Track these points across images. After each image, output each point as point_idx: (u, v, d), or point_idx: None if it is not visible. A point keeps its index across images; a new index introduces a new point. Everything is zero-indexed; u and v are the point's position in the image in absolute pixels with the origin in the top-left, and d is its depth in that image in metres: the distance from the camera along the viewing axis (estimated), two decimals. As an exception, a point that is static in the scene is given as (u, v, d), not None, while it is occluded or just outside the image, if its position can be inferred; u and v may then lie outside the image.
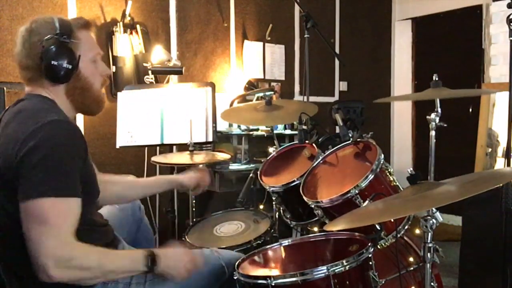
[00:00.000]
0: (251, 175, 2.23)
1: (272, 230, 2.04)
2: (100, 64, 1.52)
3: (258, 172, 2.18)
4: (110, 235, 1.61)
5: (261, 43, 4.32)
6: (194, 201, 2.63)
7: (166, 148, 3.16)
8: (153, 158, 2.45)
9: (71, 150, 1.33)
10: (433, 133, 1.89)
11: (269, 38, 4.37)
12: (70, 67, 1.39)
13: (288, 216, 2.10)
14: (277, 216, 2.17)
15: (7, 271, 1.45)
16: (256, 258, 1.67)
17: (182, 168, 3.05)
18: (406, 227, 1.75)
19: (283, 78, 4.50)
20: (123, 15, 3.50)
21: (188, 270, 1.44)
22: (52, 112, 1.38)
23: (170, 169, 3.42)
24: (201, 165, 2.16)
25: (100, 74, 1.51)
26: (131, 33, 3.53)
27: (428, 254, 1.40)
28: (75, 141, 1.35)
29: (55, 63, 1.37)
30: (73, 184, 1.31)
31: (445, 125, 1.87)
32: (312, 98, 3.19)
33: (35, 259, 1.24)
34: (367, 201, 1.64)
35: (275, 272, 1.58)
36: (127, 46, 3.52)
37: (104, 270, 1.32)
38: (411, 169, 1.37)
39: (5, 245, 1.40)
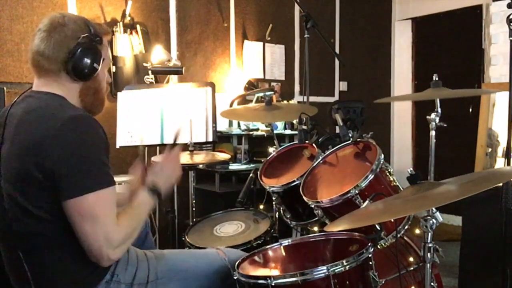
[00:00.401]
0: (251, 175, 2.23)
1: (272, 230, 2.04)
2: (106, 72, 1.58)
3: (258, 172, 2.18)
4: None
5: (261, 43, 4.33)
6: (194, 201, 2.63)
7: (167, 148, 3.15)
8: (153, 158, 2.45)
9: (100, 142, 1.38)
10: (433, 133, 1.89)
11: (269, 38, 4.37)
12: (97, 67, 1.45)
13: (288, 216, 2.10)
14: (277, 216, 2.17)
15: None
16: (256, 258, 1.67)
17: (182, 168, 3.05)
18: (406, 227, 1.75)
19: (283, 78, 4.50)
20: (123, 15, 3.50)
21: (177, 171, 1.62)
22: (68, 108, 1.41)
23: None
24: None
25: (107, 80, 1.57)
26: (131, 33, 3.54)
27: (428, 254, 1.40)
28: (100, 131, 1.39)
29: (87, 60, 1.42)
30: (108, 173, 1.38)
31: (445, 125, 1.87)
32: (312, 98, 3.19)
33: (93, 251, 1.32)
34: (367, 201, 1.64)
35: (275, 272, 1.58)
36: (127, 46, 3.52)
37: (138, 227, 1.46)
38: (411, 169, 1.37)
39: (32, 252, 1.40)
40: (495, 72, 4.09)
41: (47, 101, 1.41)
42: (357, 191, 1.66)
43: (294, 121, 3.71)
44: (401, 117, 5.40)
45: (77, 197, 1.30)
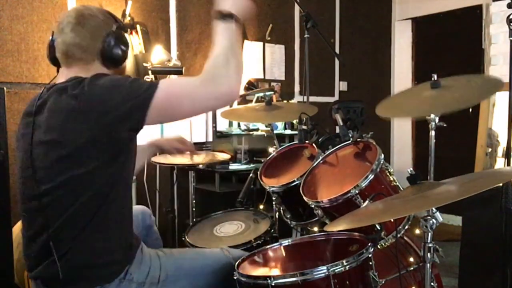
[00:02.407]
0: (251, 175, 2.23)
1: (272, 230, 2.04)
2: None
3: (258, 172, 2.18)
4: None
5: (261, 43, 4.33)
6: (194, 201, 2.63)
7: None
8: (153, 158, 2.45)
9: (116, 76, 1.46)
10: (433, 133, 1.89)
11: (269, 38, 4.37)
12: (127, 54, 1.54)
13: (288, 216, 2.10)
14: (277, 216, 2.17)
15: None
16: (256, 258, 1.67)
17: (182, 168, 3.05)
18: (406, 227, 1.75)
19: (283, 78, 4.50)
20: (123, 15, 3.49)
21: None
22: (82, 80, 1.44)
23: (170, 169, 3.43)
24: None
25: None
26: (131, 33, 3.53)
27: (428, 254, 1.40)
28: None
29: (119, 48, 1.51)
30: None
31: (445, 125, 1.87)
32: (312, 98, 3.19)
33: (217, 100, 1.38)
34: (367, 201, 1.64)
35: (275, 272, 1.58)
36: (127, 46, 3.52)
37: (233, 52, 1.47)
38: (411, 169, 1.38)
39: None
40: (495, 72, 4.08)
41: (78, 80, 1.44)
42: (357, 191, 1.66)
43: (294, 121, 3.71)
44: (401, 117, 5.41)
45: (153, 97, 1.33)
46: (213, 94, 1.37)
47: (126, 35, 1.58)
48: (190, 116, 1.43)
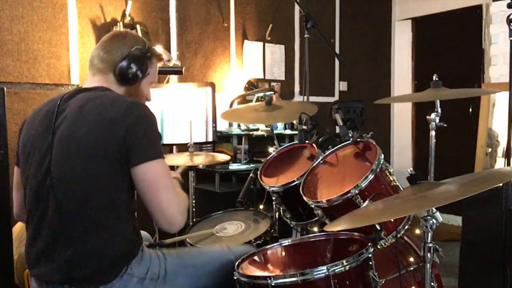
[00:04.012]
0: (251, 175, 2.23)
1: (272, 230, 2.04)
2: (149, 90, 1.75)
3: (258, 172, 2.18)
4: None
5: (261, 43, 4.33)
6: (194, 201, 2.63)
7: (167, 148, 3.16)
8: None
9: (156, 123, 1.54)
10: (433, 133, 1.89)
11: (269, 38, 4.37)
12: (139, 76, 1.62)
13: (288, 216, 2.10)
14: (277, 216, 2.17)
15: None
16: (256, 258, 1.67)
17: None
18: (406, 227, 1.75)
19: (283, 78, 4.50)
20: (123, 15, 3.49)
21: None
22: (125, 97, 1.58)
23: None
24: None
25: (146, 96, 1.72)
26: (131, 33, 3.53)
27: (428, 254, 1.40)
28: (154, 116, 1.56)
29: (132, 67, 1.59)
30: (162, 149, 1.54)
31: (445, 125, 1.87)
32: (312, 98, 3.19)
33: (168, 218, 1.47)
34: (367, 201, 1.64)
35: (275, 272, 1.58)
36: (127, 46, 3.51)
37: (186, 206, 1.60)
38: (411, 169, 1.38)
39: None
40: (495, 72, 4.08)
41: (105, 92, 1.57)
42: (357, 191, 1.66)
43: (294, 121, 3.71)
44: (401, 117, 5.40)
45: (147, 162, 1.45)
46: (177, 215, 1.50)
47: (154, 63, 1.69)
48: (155, 203, 1.48)
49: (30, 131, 1.58)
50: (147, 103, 1.60)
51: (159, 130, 1.56)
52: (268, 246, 1.74)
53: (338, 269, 1.38)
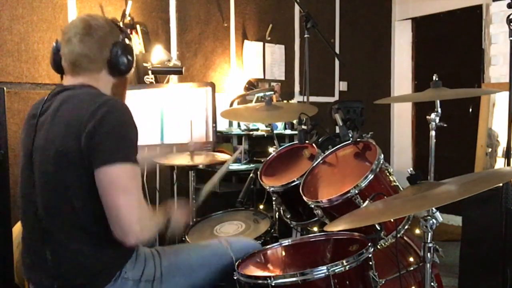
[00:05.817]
0: (251, 175, 2.23)
1: (272, 230, 2.04)
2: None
3: (258, 172, 2.18)
4: None
5: (261, 43, 4.33)
6: (194, 201, 2.62)
7: (167, 148, 3.14)
8: (153, 159, 2.45)
9: (131, 124, 1.45)
10: (433, 133, 1.89)
11: (269, 38, 4.37)
12: (133, 62, 1.57)
13: (288, 216, 2.10)
14: (277, 216, 2.17)
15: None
16: (256, 258, 1.67)
17: (182, 168, 3.05)
18: (406, 227, 1.75)
19: (283, 78, 4.50)
20: (123, 15, 3.49)
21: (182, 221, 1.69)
22: (104, 95, 1.50)
23: (170, 169, 3.43)
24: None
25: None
26: (131, 33, 3.53)
27: (428, 254, 1.40)
28: (132, 116, 1.46)
29: (126, 57, 1.54)
30: (135, 153, 1.43)
31: (445, 125, 1.87)
32: (312, 98, 3.19)
33: (123, 225, 1.33)
34: (367, 201, 1.64)
35: (275, 272, 1.58)
36: (127, 46, 3.51)
37: (156, 226, 1.49)
38: (411, 169, 1.38)
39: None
40: (495, 72, 4.09)
41: (84, 91, 1.49)
42: (357, 191, 1.66)
43: (294, 121, 3.71)
44: (401, 117, 5.40)
45: (107, 165, 1.34)
46: (135, 225, 1.35)
47: (131, 43, 1.61)
48: (113, 207, 1.37)
49: (21, 136, 1.57)
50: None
51: (137, 130, 1.46)
52: (268, 246, 1.74)
53: (338, 269, 1.38)
